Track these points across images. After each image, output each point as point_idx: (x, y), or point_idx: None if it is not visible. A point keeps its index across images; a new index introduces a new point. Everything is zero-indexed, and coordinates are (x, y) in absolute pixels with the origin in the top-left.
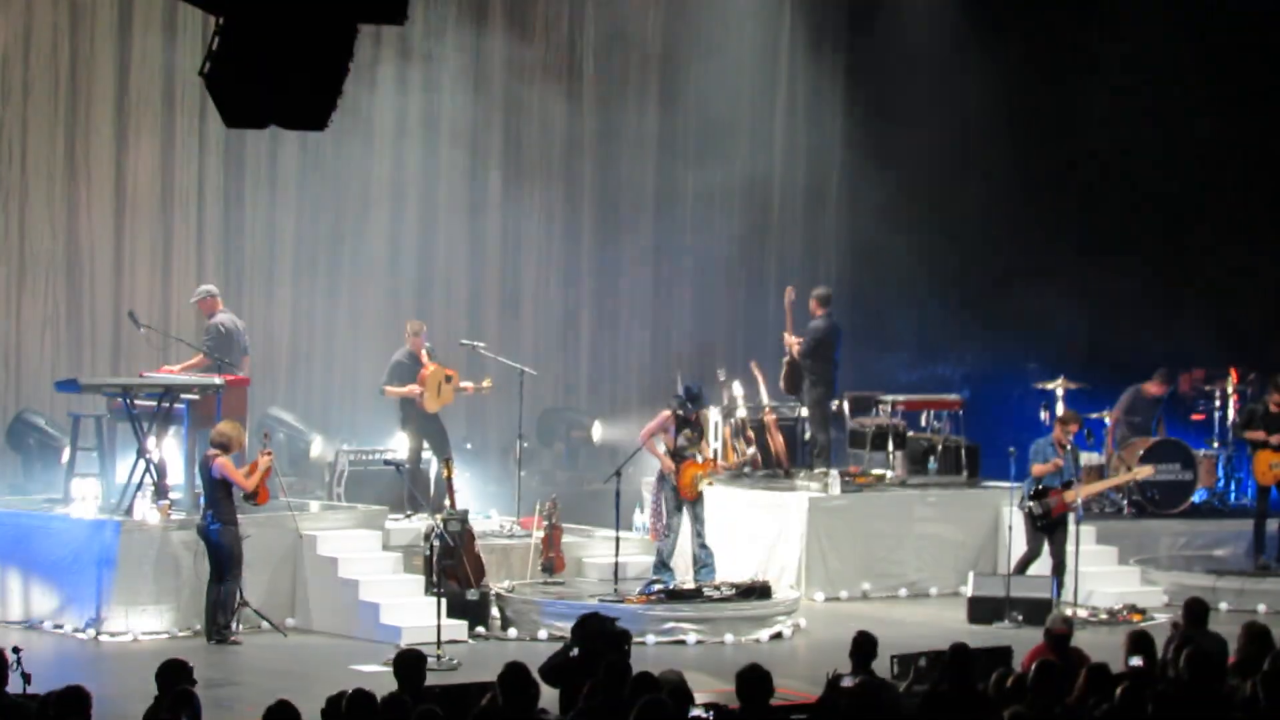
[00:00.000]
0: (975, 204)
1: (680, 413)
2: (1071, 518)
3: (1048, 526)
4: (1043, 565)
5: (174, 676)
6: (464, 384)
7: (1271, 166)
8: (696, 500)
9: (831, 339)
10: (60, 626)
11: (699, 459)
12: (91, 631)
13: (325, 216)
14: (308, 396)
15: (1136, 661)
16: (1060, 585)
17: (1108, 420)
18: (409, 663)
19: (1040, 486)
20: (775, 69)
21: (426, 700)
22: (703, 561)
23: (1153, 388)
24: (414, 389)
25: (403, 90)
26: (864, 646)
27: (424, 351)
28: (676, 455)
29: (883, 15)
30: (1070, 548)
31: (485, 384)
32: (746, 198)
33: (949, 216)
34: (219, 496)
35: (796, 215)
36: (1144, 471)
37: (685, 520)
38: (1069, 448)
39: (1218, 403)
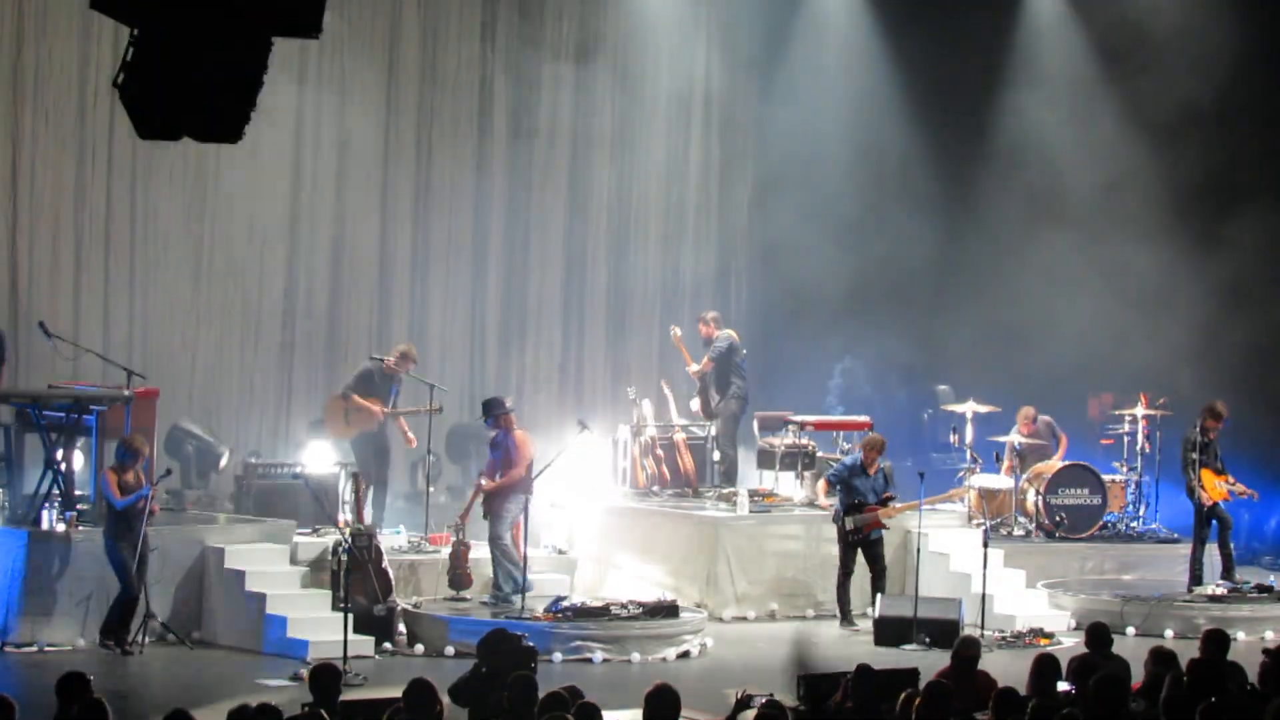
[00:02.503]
0: (892, 221)
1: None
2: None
3: (861, 542)
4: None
5: (73, 689)
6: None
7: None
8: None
9: (736, 351)
10: None
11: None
12: None
13: (239, 222)
14: (219, 407)
15: (1064, 686)
16: (881, 593)
17: (1019, 441)
18: (325, 676)
19: (856, 501)
20: (691, 78)
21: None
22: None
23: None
24: (377, 408)
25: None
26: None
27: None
28: None
29: (797, 31)
30: (972, 570)
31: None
32: (662, 212)
33: (865, 233)
34: (106, 509)
35: (711, 230)
36: (958, 493)
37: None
38: (881, 470)
39: (1126, 427)
